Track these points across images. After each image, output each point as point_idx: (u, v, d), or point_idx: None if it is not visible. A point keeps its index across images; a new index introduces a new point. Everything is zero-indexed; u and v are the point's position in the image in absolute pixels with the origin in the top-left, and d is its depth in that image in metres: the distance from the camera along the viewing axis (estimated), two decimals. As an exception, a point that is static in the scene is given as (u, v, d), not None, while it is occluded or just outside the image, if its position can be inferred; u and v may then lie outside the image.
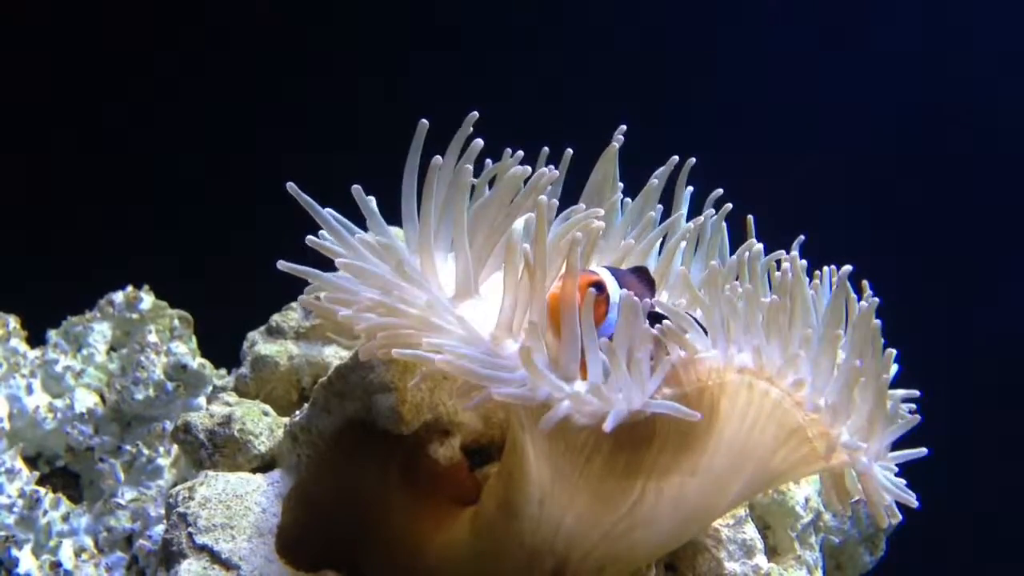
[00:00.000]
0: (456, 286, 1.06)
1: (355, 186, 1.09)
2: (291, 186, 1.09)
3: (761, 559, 1.30)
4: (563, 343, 0.96)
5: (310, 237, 1.08)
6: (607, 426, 0.91)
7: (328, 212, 1.09)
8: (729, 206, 1.24)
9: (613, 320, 0.98)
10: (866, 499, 1.04)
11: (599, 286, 0.99)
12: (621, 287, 1.01)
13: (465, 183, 1.08)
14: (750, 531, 1.31)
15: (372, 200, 1.12)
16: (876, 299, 1.03)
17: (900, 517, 1.46)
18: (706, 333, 1.01)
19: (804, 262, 1.07)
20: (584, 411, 0.92)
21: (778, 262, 1.12)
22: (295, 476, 1.24)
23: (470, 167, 1.08)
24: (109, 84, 2.24)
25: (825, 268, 1.14)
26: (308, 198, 1.09)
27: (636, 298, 0.98)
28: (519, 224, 1.02)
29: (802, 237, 1.17)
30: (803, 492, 1.40)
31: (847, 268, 1.05)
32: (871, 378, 1.01)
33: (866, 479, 1.03)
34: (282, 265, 1.08)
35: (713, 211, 1.23)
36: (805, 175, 2.19)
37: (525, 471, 1.03)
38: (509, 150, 1.13)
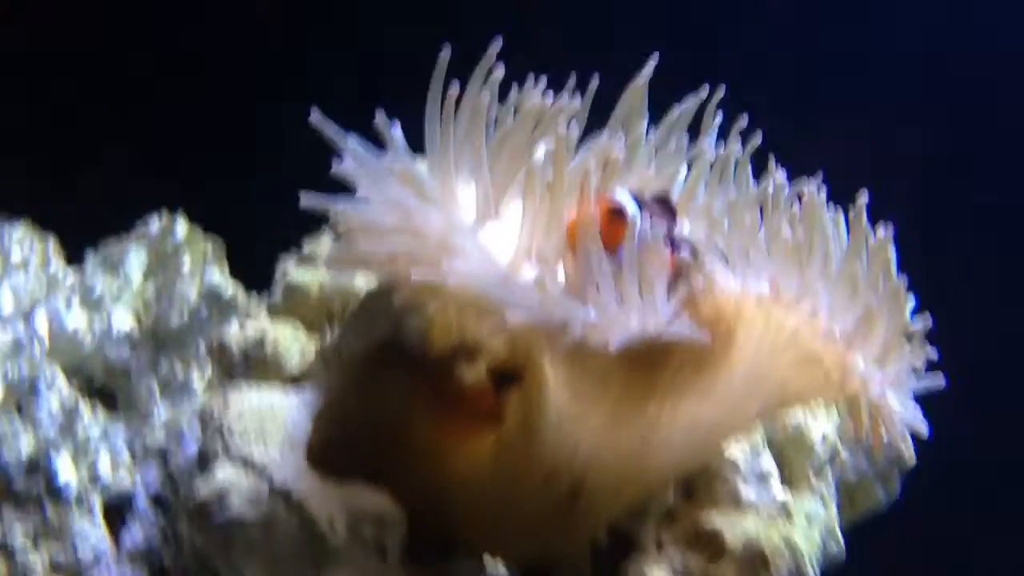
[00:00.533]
0: (476, 212, 1.08)
1: (378, 113, 1.10)
2: (315, 115, 1.10)
3: (776, 488, 1.33)
4: (580, 268, 0.98)
5: (335, 167, 1.10)
6: (612, 346, 0.93)
7: (352, 140, 1.11)
8: (758, 138, 1.25)
9: (632, 246, 1.00)
10: (877, 428, 1.07)
11: (619, 212, 1.01)
12: (642, 213, 1.03)
13: (484, 111, 1.09)
14: (767, 462, 1.34)
15: (397, 126, 1.14)
16: (891, 228, 1.05)
17: (912, 451, 1.50)
18: (726, 262, 1.04)
19: (823, 192, 1.09)
20: (597, 334, 0.95)
21: (800, 195, 1.14)
22: (326, 395, 1.28)
23: (488, 94, 1.10)
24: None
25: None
26: (332, 126, 1.11)
27: (656, 224, 1.00)
28: (539, 152, 1.04)
29: (821, 172, 1.18)
30: (821, 428, 1.42)
31: (864, 198, 1.06)
32: (887, 307, 1.03)
33: (879, 407, 1.05)
34: (305, 201, 1.09)
35: (740, 141, 1.25)
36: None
37: (544, 394, 1.06)
38: (532, 77, 1.14)
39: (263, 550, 1.10)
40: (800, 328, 1.02)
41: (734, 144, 1.23)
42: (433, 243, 1.02)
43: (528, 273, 1.00)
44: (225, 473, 1.14)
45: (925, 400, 1.33)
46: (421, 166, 1.12)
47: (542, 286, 0.95)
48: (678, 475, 1.21)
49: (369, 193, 1.06)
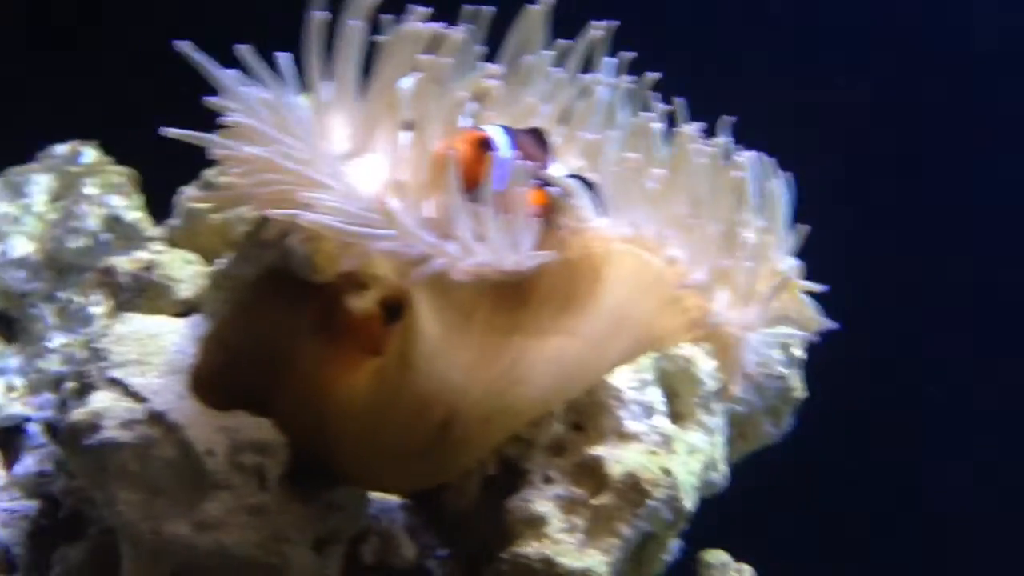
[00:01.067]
0: (350, 144, 1.08)
1: (242, 46, 1.08)
2: (181, 45, 1.08)
3: (661, 420, 1.36)
4: (442, 200, 0.98)
5: (207, 98, 1.08)
6: (458, 277, 0.94)
7: (226, 71, 1.09)
8: (653, 76, 1.25)
9: (499, 179, 1.00)
10: (732, 369, 1.10)
11: (486, 144, 1.01)
12: (515, 147, 1.03)
13: (355, 39, 1.08)
14: (652, 394, 1.36)
15: (287, 57, 1.12)
16: (748, 171, 1.06)
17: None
18: (600, 200, 1.04)
19: (695, 128, 1.10)
20: (456, 267, 0.96)
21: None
22: (214, 321, 1.28)
23: (358, 22, 1.09)
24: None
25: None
26: (200, 56, 1.09)
27: (526, 159, 1.00)
28: (407, 82, 1.03)
29: (731, 119, 1.19)
30: (711, 362, 1.45)
31: (724, 138, 1.07)
32: (748, 251, 1.06)
33: (731, 350, 1.08)
34: (166, 131, 1.08)
35: (632, 78, 1.25)
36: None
37: (418, 326, 1.08)
38: (419, 8, 1.13)
39: (138, 475, 1.11)
40: (664, 271, 1.04)
41: (622, 81, 1.23)
42: (295, 177, 1.01)
43: (391, 206, 1.00)
44: (101, 398, 1.13)
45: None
46: (297, 98, 1.11)
47: (398, 218, 0.96)
48: (548, 407, 1.23)
49: (233, 123, 1.05)
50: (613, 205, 1.05)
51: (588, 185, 1.06)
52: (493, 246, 0.98)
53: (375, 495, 1.34)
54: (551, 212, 1.03)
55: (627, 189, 1.06)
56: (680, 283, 1.04)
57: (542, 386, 1.09)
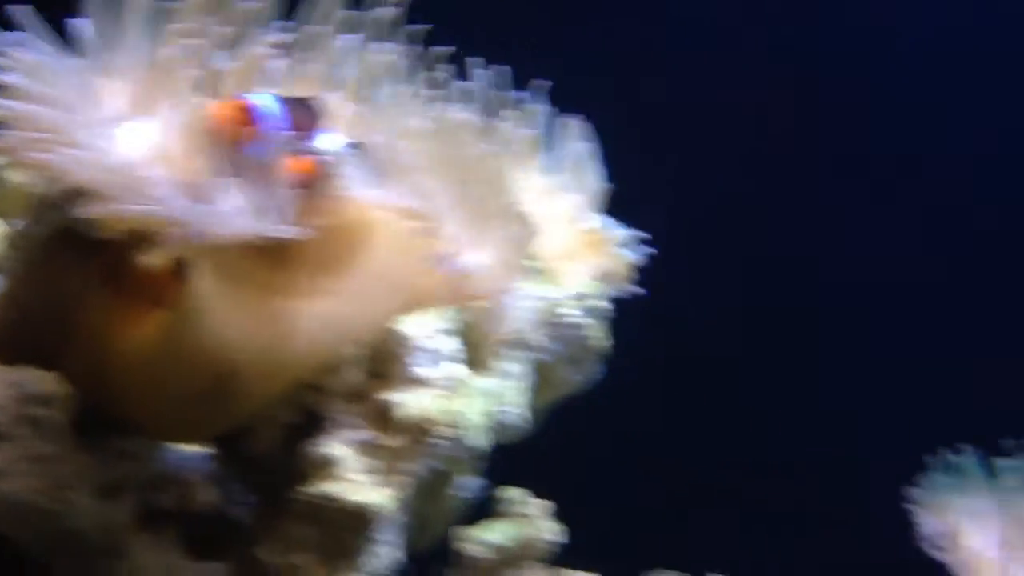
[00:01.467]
0: (123, 109, 1.12)
1: (20, 7, 1.11)
2: None
3: (454, 367, 1.43)
4: (203, 167, 1.04)
5: None
6: (207, 242, 1.00)
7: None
8: (445, 49, 1.32)
9: (263, 147, 1.05)
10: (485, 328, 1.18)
11: (252, 112, 1.05)
12: (286, 115, 1.07)
13: (140, 4, 1.12)
14: (446, 343, 1.44)
15: (72, 22, 1.14)
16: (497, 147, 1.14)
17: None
18: (369, 168, 1.11)
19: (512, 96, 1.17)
20: (215, 232, 1.01)
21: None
22: (8, 280, 1.30)
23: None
24: None
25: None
26: None
27: (292, 127, 1.06)
28: (174, 49, 1.07)
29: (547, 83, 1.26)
30: (509, 312, 1.53)
31: (464, 114, 1.15)
32: (501, 220, 1.14)
33: (490, 314, 1.17)
34: None
35: (413, 47, 1.31)
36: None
37: (194, 284, 1.14)
38: None
39: (-81, 429, 1.13)
40: (424, 236, 1.12)
41: (404, 52, 1.30)
42: (64, 138, 1.05)
43: (153, 171, 1.04)
44: None
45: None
46: (73, 61, 1.14)
47: (160, 184, 1.01)
48: (320, 363, 1.29)
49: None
50: (380, 174, 1.12)
51: (358, 154, 1.12)
52: (251, 213, 1.04)
53: (181, 446, 1.39)
54: (317, 180, 1.09)
55: (394, 159, 1.12)
56: (433, 252, 1.12)
57: (314, 342, 1.16)
